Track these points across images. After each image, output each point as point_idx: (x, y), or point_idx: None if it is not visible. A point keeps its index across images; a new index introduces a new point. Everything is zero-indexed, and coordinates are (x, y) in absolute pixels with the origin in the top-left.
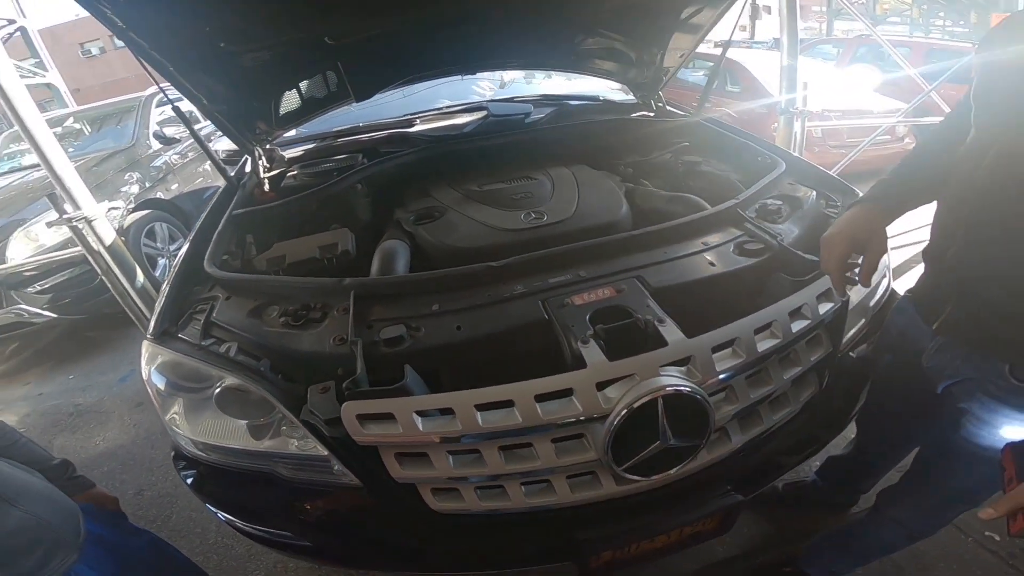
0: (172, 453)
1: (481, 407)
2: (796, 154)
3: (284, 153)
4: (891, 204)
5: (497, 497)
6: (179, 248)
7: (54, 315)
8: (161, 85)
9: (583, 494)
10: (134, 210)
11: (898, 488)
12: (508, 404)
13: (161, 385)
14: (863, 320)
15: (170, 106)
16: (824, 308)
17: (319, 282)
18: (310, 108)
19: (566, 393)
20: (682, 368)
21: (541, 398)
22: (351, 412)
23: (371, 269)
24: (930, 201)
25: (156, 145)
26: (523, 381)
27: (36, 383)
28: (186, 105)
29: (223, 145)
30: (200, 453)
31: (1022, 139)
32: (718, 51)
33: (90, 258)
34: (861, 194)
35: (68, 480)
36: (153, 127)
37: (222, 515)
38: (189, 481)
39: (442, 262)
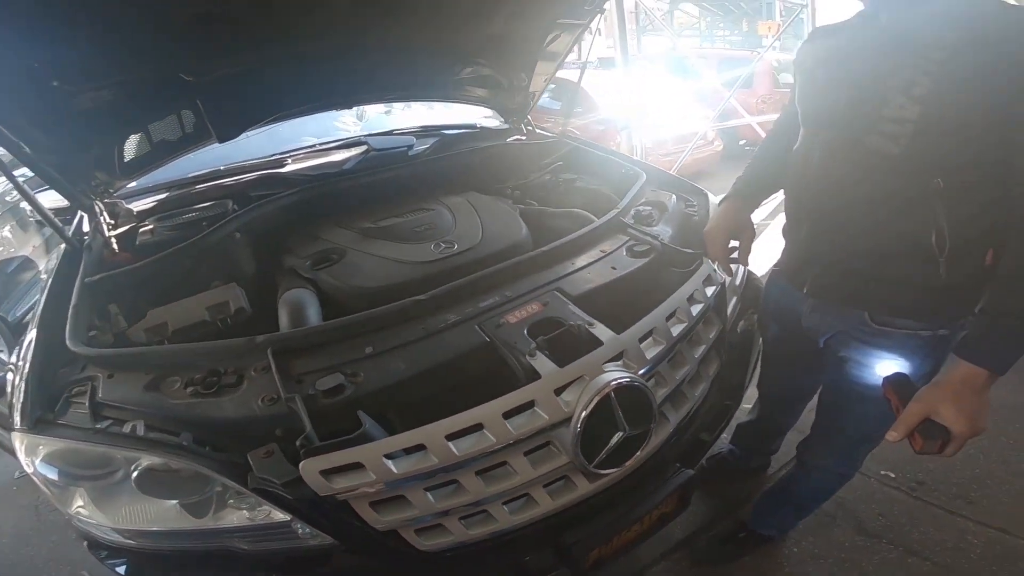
0: (85, 544)
1: (452, 436)
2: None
3: (130, 206)
4: (749, 197)
5: (483, 522)
6: None
7: None
8: None
9: (563, 499)
10: None
11: (812, 438)
12: (477, 428)
13: (54, 476)
14: (735, 298)
15: None
16: (710, 291)
17: (225, 344)
18: (162, 152)
19: (528, 406)
20: (618, 363)
21: (507, 415)
22: (312, 469)
23: (280, 324)
24: (778, 191)
25: None
26: (486, 403)
27: None
28: None
29: (47, 200)
30: (128, 540)
31: (839, 136)
32: (560, 74)
33: None
34: (708, 193)
35: None
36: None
37: None
38: (121, 571)
39: (354, 307)
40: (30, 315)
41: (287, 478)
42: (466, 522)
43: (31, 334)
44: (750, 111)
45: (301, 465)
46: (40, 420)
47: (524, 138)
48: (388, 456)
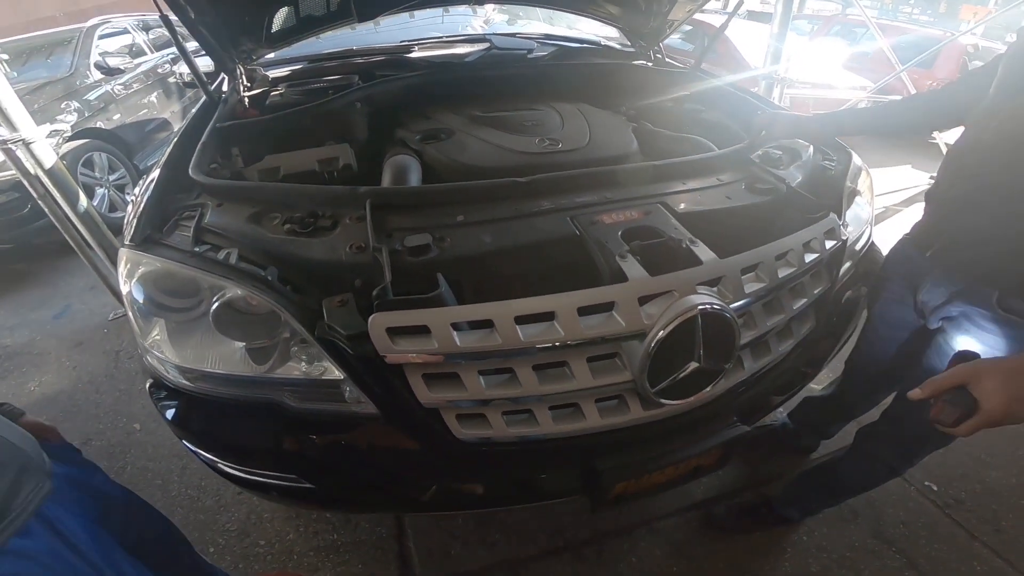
0: (148, 383)
1: (521, 320)
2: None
3: (267, 73)
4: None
5: (525, 423)
6: (119, 179)
7: None
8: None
9: (611, 419)
10: (71, 138)
11: (877, 425)
12: (549, 317)
13: (143, 300)
14: (849, 262)
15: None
16: (829, 244)
17: (328, 189)
18: (306, 26)
19: (607, 307)
20: (712, 289)
21: (583, 312)
22: (380, 325)
23: (383, 181)
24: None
25: (97, 75)
26: (564, 292)
27: None
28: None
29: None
30: (186, 383)
31: None
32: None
33: (25, 182)
34: (853, 152)
35: None
36: (95, 57)
37: (204, 455)
38: (169, 414)
39: (454, 180)
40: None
41: (354, 331)
42: (508, 418)
43: (161, 159)
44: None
45: (371, 318)
46: (147, 239)
47: (651, 64)
48: (454, 327)
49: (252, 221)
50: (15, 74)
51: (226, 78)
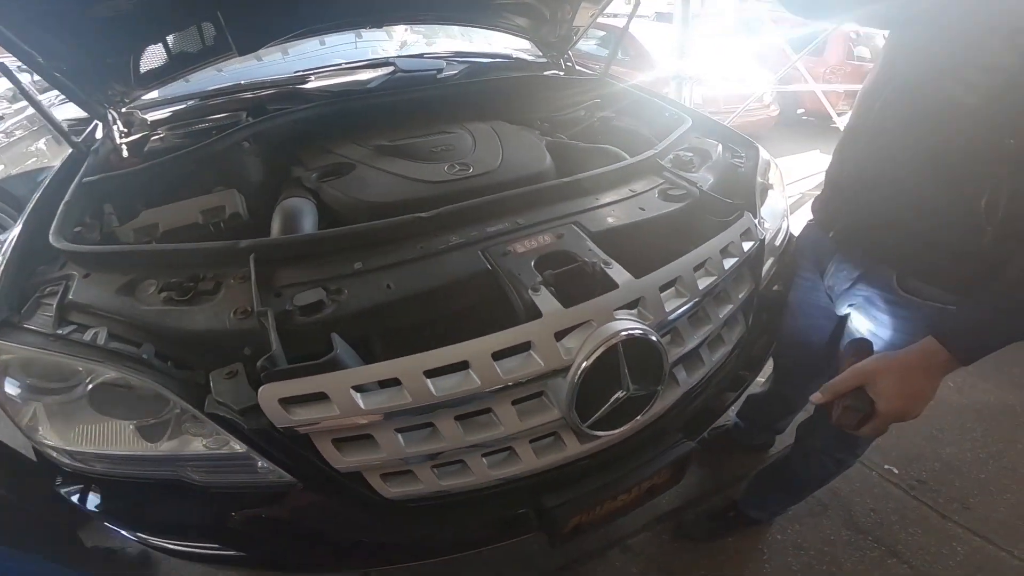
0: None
1: (431, 373)
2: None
3: (146, 116)
4: None
5: (458, 474)
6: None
7: None
8: None
9: (549, 458)
10: None
11: (814, 419)
12: (462, 366)
13: (11, 390)
14: (771, 259)
15: None
16: (747, 246)
17: (207, 247)
18: (180, 64)
19: (523, 348)
20: (632, 312)
21: (497, 356)
22: (271, 396)
23: (272, 232)
24: None
25: None
26: (475, 339)
27: None
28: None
29: (67, 113)
30: (81, 465)
31: (915, 79)
32: (612, 22)
33: None
34: (759, 145)
35: None
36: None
37: (129, 535)
38: (75, 499)
39: (355, 222)
40: None
41: (245, 404)
42: (439, 471)
43: (15, 229)
44: (817, 80)
45: (260, 390)
46: (4, 323)
47: (562, 74)
48: (358, 388)
49: (124, 292)
50: None
51: (99, 125)
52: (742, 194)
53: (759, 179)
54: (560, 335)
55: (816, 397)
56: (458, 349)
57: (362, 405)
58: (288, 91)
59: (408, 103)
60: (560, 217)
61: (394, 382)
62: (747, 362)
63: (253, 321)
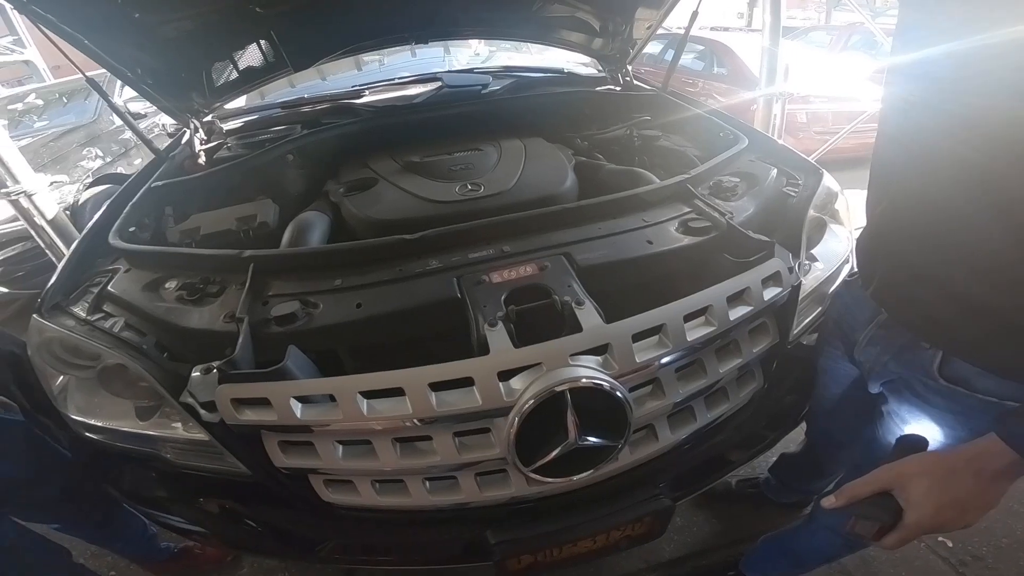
0: None
1: (367, 394)
2: (769, 135)
3: (224, 125)
4: None
5: (396, 492)
6: None
7: (5, 289)
8: (74, 61)
9: (492, 493)
10: (92, 184)
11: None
12: (398, 392)
13: (45, 361)
14: (819, 308)
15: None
16: (771, 293)
17: (217, 254)
18: (248, 79)
19: (467, 382)
20: (598, 358)
21: (438, 386)
22: (225, 396)
23: (282, 242)
24: None
25: (118, 121)
26: (416, 367)
27: None
28: None
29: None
30: (87, 434)
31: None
32: (707, 34)
33: (33, 232)
34: (824, 172)
35: None
36: (118, 102)
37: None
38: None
39: (363, 235)
40: None
41: (207, 399)
42: (379, 487)
43: (91, 221)
44: None
45: (217, 389)
46: (55, 306)
47: (617, 89)
48: (303, 399)
49: (149, 288)
50: (46, 120)
51: (187, 132)
52: (787, 229)
53: (812, 212)
54: (505, 374)
55: (829, 502)
56: (395, 375)
57: (299, 415)
58: (341, 106)
59: (447, 119)
60: (552, 246)
61: (331, 398)
62: (769, 421)
63: (234, 325)
